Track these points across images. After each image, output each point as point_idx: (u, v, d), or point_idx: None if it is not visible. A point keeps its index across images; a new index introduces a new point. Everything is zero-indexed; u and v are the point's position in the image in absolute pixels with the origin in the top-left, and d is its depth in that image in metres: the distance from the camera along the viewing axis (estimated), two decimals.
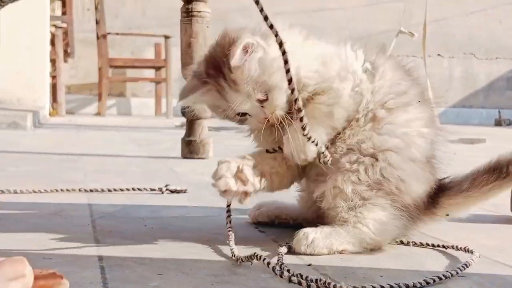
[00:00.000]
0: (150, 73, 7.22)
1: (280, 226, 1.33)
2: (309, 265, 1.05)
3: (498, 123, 7.74)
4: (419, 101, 1.17)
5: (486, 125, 7.59)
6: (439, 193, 1.20)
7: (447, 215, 1.23)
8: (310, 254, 1.09)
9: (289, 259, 1.07)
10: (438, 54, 8.22)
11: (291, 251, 1.11)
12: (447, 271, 0.99)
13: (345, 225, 1.13)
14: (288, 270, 0.96)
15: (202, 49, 2.60)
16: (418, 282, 0.93)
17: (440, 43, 8.19)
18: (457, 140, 4.15)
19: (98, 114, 6.81)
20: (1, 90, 5.32)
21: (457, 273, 0.99)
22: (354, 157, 1.13)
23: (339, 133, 1.15)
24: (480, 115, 8.35)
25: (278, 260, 1.03)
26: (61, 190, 1.72)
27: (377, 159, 1.13)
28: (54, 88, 6.57)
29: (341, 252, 1.12)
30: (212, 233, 1.26)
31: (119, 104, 7.48)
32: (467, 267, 1.03)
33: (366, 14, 7.95)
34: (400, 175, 1.13)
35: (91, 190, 1.73)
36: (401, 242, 1.21)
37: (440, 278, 0.96)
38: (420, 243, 1.21)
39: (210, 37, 2.67)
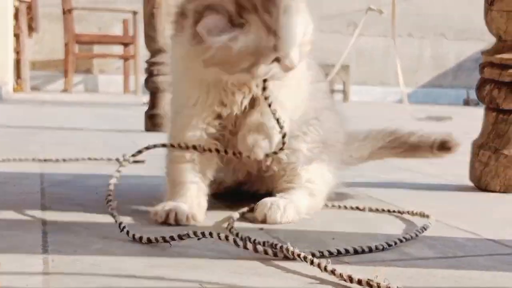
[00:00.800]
0: (118, 49, 7.09)
1: None
2: (261, 229, 1.03)
3: (466, 103, 7.83)
4: None
5: (454, 105, 7.66)
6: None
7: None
8: (285, 223, 1.06)
9: (239, 224, 1.05)
10: (409, 34, 8.24)
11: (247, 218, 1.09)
12: (404, 236, 0.97)
13: (295, 185, 1.12)
14: (237, 234, 0.94)
15: (165, 19, 2.56)
16: (368, 247, 0.90)
17: (412, 23, 8.21)
18: (424, 118, 4.18)
19: (65, 91, 6.68)
20: None
21: (412, 237, 0.98)
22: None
23: None
24: (449, 95, 8.43)
25: (228, 225, 1.00)
26: (13, 159, 1.66)
27: (319, 120, 1.15)
28: (18, 63, 6.42)
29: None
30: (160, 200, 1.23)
31: (86, 81, 7.35)
32: (424, 230, 1.02)
33: None
34: (334, 127, 1.19)
35: (45, 160, 1.67)
36: (357, 208, 1.20)
37: (395, 243, 0.94)
38: (376, 208, 1.20)
39: (174, 5, 2.62)
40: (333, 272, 0.76)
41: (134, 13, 6.60)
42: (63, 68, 6.79)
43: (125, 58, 6.86)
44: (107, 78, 7.35)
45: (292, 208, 1.08)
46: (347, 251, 0.88)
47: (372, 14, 4.67)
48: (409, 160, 1.50)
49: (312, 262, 0.80)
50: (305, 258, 0.81)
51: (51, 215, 1.06)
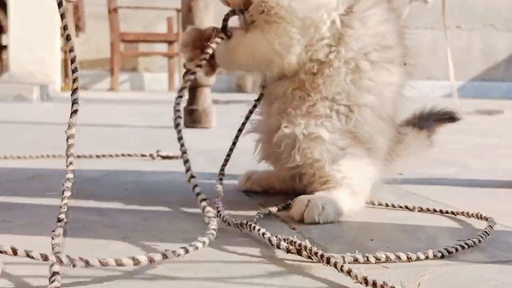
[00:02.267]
0: (162, 47, 7.12)
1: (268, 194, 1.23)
2: (293, 228, 0.96)
3: None
4: (405, 64, 1.09)
5: (506, 99, 7.39)
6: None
7: (401, 174, 1.27)
8: (324, 223, 0.99)
9: (272, 223, 0.98)
10: (458, 26, 7.99)
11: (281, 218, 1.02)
12: (460, 243, 0.85)
13: (332, 185, 1.04)
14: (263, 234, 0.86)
15: (203, 13, 2.51)
16: (407, 257, 0.81)
17: (459, 15, 7.96)
18: (474, 111, 4.01)
19: (111, 89, 6.75)
20: (13, 65, 5.28)
21: (471, 245, 0.85)
22: (327, 104, 1.05)
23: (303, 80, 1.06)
24: (500, 88, 8.14)
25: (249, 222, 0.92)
26: (47, 156, 1.64)
27: (352, 111, 1.05)
28: (65, 63, 6.51)
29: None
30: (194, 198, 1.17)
31: (132, 79, 7.41)
32: (487, 235, 0.90)
33: None
34: (370, 131, 1.07)
35: (78, 156, 1.65)
36: (406, 207, 1.11)
37: (449, 252, 0.82)
38: (427, 208, 1.10)
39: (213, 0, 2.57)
40: (348, 273, 0.68)
41: (178, 10, 6.60)
42: (110, 66, 6.86)
43: (170, 56, 6.88)
44: (152, 76, 7.40)
45: (331, 207, 1.00)
46: (388, 257, 0.78)
47: (417, 6, 4.52)
48: (452, 153, 1.40)
49: (328, 261, 0.72)
50: (322, 257, 0.73)
51: (74, 213, 1.02)
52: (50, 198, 1.13)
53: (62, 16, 0.94)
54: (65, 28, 0.98)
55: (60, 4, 0.93)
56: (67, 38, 0.96)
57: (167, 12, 6.94)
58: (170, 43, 6.91)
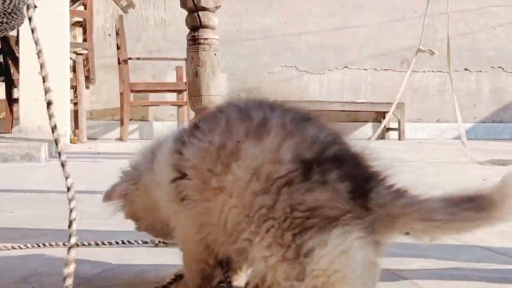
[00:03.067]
0: (172, 96, 7.19)
1: None
2: None
3: None
4: None
5: None
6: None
7: (407, 233, 0.92)
8: None
9: None
10: (465, 69, 8.02)
11: None
12: None
13: None
14: None
15: (210, 77, 2.53)
16: None
17: (467, 58, 7.99)
18: (487, 162, 3.95)
19: (120, 139, 6.79)
20: (22, 119, 5.34)
21: None
22: None
23: None
24: (511, 129, 8.11)
25: None
26: (43, 245, 1.50)
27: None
28: (76, 114, 6.58)
29: None
30: None
31: (142, 128, 7.47)
32: None
33: (389, 31, 7.82)
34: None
35: (77, 245, 1.55)
36: None
37: None
38: None
39: (219, 65, 2.58)
40: None
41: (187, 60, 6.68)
42: (119, 116, 6.91)
43: (179, 105, 6.93)
44: (161, 124, 7.45)
45: None
46: None
47: (426, 54, 4.54)
48: None
49: None
50: None
51: None
52: None
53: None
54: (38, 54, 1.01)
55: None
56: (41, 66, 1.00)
57: (176, 61, 7.03)
58: (179, 92, 6.97)
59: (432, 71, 7.90)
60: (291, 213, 0.87)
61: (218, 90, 2.47)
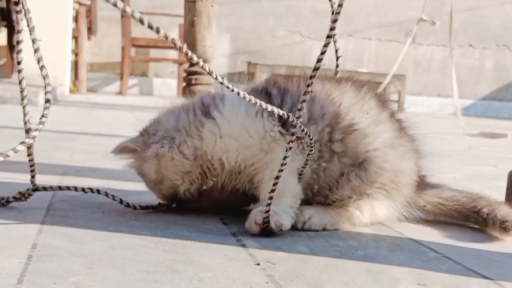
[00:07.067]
0: (173, 53, 7.16)
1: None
2: (258, 264, 0.96)
3: None
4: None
5: None
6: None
7: (424, 206, 1.34)
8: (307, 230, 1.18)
9: (235, 257, 0.98)
10: (470, 45, 7.96)
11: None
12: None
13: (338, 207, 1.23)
14: None
15: (205, 28, 2.52)
16: None
17: (473, 33, 7.93)
18: (478, 134, 3.99)
19: (119, 93, 6.79)
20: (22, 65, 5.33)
21: None
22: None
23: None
24: (510, 108, 8.10)
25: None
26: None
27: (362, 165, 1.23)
28: (76, 65, 6.57)
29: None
30: (168, 224, 1.18)
31: (142, 83, 7.46)
32: None
33: (397, 1, 7.74)
34: (387, 167, 1.23)
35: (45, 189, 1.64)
36: None
37: None
38: None
39: (215, 17, 2.57)
40: None
41: None
42: (119, 70, 6.90)
43: (180, 63, 6.91)
44: (162, 81, 7.44)
45: (317, 218, 1.21)
46: None
47: (428, 24, 4.51)
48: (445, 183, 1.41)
49: None
50: None
51: (44, 237, 1.03)
52: (25, 218, 1.14)
53: None
54: None
55: None
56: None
57: (180, 19, 6.98)
58: (181, 49, 6.92)
59: (437, 46, 7.84)
60: None
61: (213, 41, 2.47)
